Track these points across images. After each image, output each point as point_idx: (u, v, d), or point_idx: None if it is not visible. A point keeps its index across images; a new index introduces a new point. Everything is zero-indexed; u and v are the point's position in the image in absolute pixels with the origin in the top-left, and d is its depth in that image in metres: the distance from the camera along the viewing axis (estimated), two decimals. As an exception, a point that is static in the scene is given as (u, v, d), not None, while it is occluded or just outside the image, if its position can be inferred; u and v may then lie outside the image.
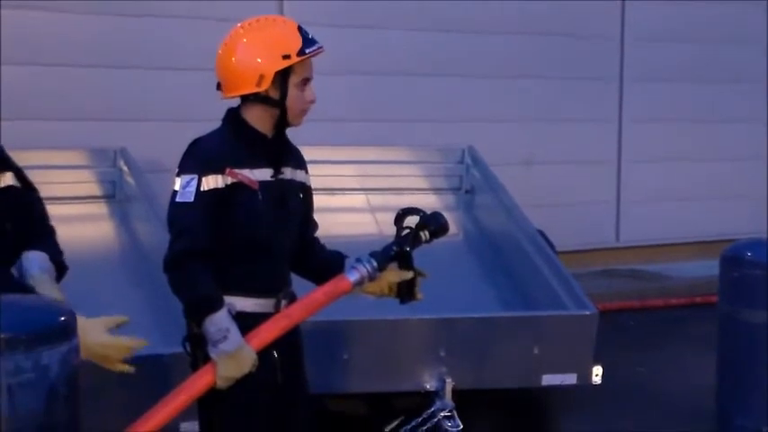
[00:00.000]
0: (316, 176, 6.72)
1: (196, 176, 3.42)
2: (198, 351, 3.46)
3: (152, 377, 4.13)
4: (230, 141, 3.51)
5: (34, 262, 3.32)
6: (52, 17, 7.77)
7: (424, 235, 3.68)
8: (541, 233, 6.84)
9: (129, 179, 6.46)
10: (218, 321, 3.38)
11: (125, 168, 6.51)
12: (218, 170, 3.44)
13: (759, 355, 5.17)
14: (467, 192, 7.39)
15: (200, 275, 3.40)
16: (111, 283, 5.70)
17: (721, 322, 5.47)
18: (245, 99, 3.56)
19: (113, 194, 6.50)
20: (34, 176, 6.13)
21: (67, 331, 2.60)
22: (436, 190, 7.38)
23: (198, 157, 3.45)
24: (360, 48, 9.01)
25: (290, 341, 3.62)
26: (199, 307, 3.40)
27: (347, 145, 7.52)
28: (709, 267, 7.30)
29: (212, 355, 3.38)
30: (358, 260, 3.61)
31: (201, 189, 3.41)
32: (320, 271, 3.72)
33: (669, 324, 8.65)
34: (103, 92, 7.94)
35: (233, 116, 3.59)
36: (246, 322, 3.45)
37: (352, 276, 3.57)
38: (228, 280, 3.46)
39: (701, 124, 10.89)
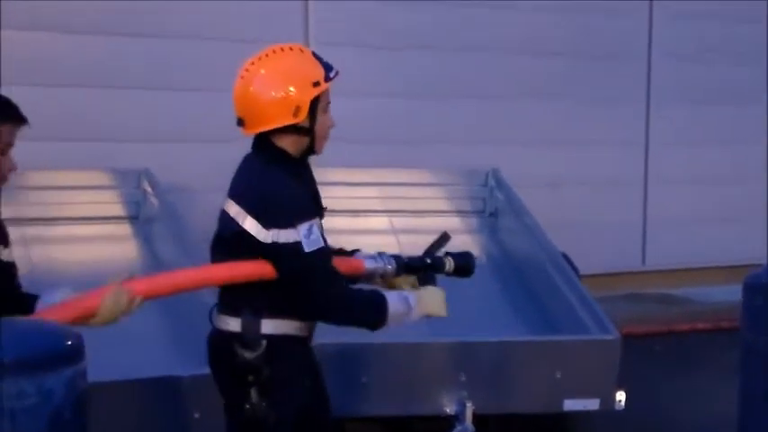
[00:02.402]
0: (339, 198, 6.80)
1: (313, 221, 3.46)
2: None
3: (167, 400, 4.13)
4: (294, 178, 3.53)
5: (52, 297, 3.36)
6: (66, 39, 7.79)
7: (449, 263, 3.72)
8: (565, 256, 6.79)
9: (153, 200, 6.48)
10: (395, 306, 3.53)
11: (149, 189, 6.53)
12: (314, 211, 3.52)
13: None
14: (490, 215, 7.37)
15: (355, 293, 3.54)
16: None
17: (744, 352, 5.36)
18: (274, 130, 3.54)
19: (137, 215, 6.52)
20: (58, 197, 6.26)
21: (73, 355, 2.59)
22: (460, 212, 7.36)
23: (296, 205, 3.46)
24: (383, 69, 9.00)
25: (316, 362, 3.70)
26: (382, 313, 3.52)
27: (370, 167, 7.51)
28: (736, 292, 7.21)
29: (415, 317, 3.59)
30: (380, 254, 3.72)
31: (321, 232, 3.48)
32: None
33: (696, 349, 8.56)
34: (122, 112, 7.97)
35: (273, 148, 3.57)
36: (302, 345, 3.57)
37: (369, 263, 3.69)
38: (285, 305, 3.50)
39: (729, 146, 10.80)
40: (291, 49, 3.58)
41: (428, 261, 3.71)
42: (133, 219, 6.49)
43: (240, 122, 3.57)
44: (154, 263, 6.17)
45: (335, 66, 3.60)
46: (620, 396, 5.75)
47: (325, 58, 3.60)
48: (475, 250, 7.16)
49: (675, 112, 10.48)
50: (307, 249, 3.42)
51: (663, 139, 10.49)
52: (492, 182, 7.43)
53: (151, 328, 5.36)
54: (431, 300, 3.62)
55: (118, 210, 6.51)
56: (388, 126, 9.07)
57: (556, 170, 9.87)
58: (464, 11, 9.40)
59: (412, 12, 9.15)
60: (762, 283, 5.27)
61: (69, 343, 2.62)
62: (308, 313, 3.54)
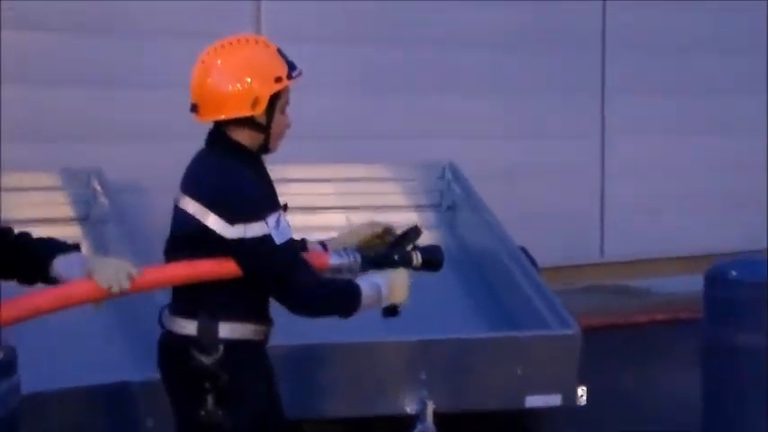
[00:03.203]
0: (294, 195, 6.69)
1: (278, 212, 3.37)
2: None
3: (118, 407, 4.03)
4: (253, 171, 3.44)
5: (69, 268, 3.22)
6: (24, 37, 7.66)
7: (416, 258, 3.64)
8: (523, 250, 6.75)
9: (104, 200, 6.34)
10: (367, 296, 3.46)
11: (99, 189, 6.39)
12: (278, 201, 3.44)
13: (746, 379, 5.04)
14: (448, 208, 7.30)
15: (329, 281, 3.50)
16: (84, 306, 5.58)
17: (706, 345, 5.33)
18: (231, 122, 3.44)
19: (87, 216, 6.37)
20: (5, 199, 6.11)
21: (5, 369, 2.47)
22: (417, 207, 7.29)
23: (261, 196, 3.37)
24: (336, 63, 8.94)
25: (271, 366, 3.59)
26: (356, 302, 3.45)
27: (325, 163, 7.44)
28: (694, 282, 7.22)
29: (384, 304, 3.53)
30: (345, 250, 3.64)
31: (288, 221, 3.40)
32: None
33: (655, 341, 8.55)
34: (75, 113, 7.84)
35: (228, 141, 3.46)
36: (259, 349, 3.48)
37: (334, 259, 3.61)
38: (246, 307, 3.43)
39: (686, 136, 10.84)
40: (257, 41, 3.50)
41: (395, 257, 3.62)
42: (83, 220, 6.35)
43: (194, 108, 3.46)
44: (105, 264, 6.04)
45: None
46: (582, 391, 5.74)
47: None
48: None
49: (630, 101, 10.51)
50: (278, 241, 3.34)
51: (618, 128, 10.50)
52: (449, 175, 7.37)
53: (100, 330, 5.24)
54: (400, 288, 3.54)
55: (67, 211, 6.36)
56: (343, 121, 9.03)
57: (512, 162, 9.86)
58: (420, 4, 9.36)
59: (365, 5, 9.09)
60: (722, 276, 5.22)
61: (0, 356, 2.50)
62: (286, 306, 3.44)
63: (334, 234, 3.82)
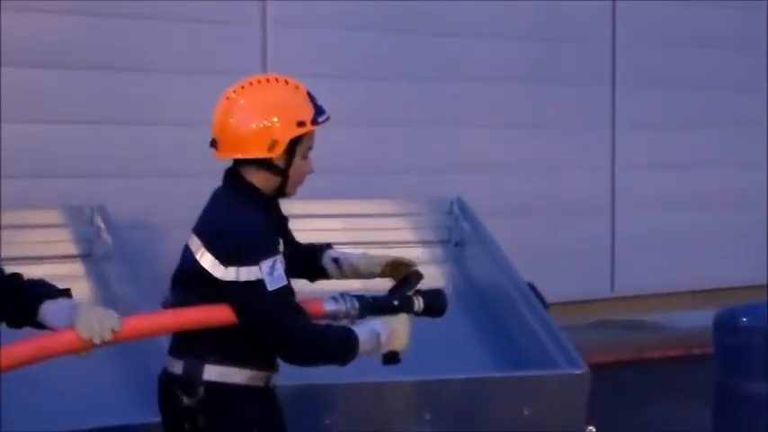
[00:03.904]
0: (301, 231, 6.64)
1: (276, 258, 3.29)
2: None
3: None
4: (260, 213, 3.37)
5: (56, 315, 3.15)
6: (17, 72, 7.63)
7: (418, 303, 3.54)
8: (531, 286, 6.67)
9: (107, 237, 6.28)
10: (365, 344, 3.36)
11: (102, 225, 6.34)
12: (278, 247, 3.35)
13: (758, 429, 4.89)
14: (456, 244, 7.23)
15: (324, 328, 3.36)
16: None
17: (716, 392, 5.21)
18: (247, 162, 3.38)
19: (90, 253, 6.31)
20: (6, 237, 6.07)
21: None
22: (424, 243, 7.22)
23: (258, 241, 3.30)
24: (343, 98, 8.90)
25: (275, 415, 3.51)
26: (353, 351, 3.36)
27: (333, 198, 7.39)
28: (707, 317, 7.13)
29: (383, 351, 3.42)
30: (342, 295, 3.50)
31: (284, 268, 3.31)
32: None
33: (667, 377, 8.45)
34: (78, 149, 7.81)
35: (241, 181, 3.40)
36: (254, 395, 3.39)
37: (329, 305, 3.47)
38: (243, 352, 3.35)
39: (697, 170, 10.79)
40: (287, 82, 3.44)
41: (395, 303, 3.51)
42: (85, 257, 6.28)
43: (213, 144, 3.41)
44: (108, 303, 5.97)
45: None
46: (591, 431, 5.63)
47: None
48: (441, 280, 7.13)
49: (641, 135, 10.47)
50: (270, 288, 3.26)
51: (629, 162, 10.44)
52: (457, 210, 7.31)
53: (107, 370, 5.18)
54: (400, 334, 3.44)
55: (69, 248, 6.29)
56: (351, 156, 8.97)
57: (521, 197, 9.80)
58: (427, 40, 9.35)
59: (372, 41, 9.10)
60: (733, 322, 5.08)
61: None
62: (278, 354, 3.38)
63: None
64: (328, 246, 3.72)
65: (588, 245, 10.26)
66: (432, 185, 8.66)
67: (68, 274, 6.20)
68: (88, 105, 7.90)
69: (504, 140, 9.73)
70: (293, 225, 6.63)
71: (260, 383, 3.41)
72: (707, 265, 10.66)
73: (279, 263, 3.30)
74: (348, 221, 7.15)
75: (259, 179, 3.39)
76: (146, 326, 3.31)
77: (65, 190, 7.43)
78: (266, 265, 3.26)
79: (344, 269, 3.63)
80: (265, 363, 3.43)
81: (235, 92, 3.39)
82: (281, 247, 3.42)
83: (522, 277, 6.64)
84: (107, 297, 6.04)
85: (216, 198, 3.45)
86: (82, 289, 6.13)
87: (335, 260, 3.64)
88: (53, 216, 6.39)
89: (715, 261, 10.72)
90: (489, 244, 6.93)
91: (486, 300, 6.72)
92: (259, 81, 3.42)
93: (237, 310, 3.29)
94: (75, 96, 7.86)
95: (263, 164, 3.37)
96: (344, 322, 3.47)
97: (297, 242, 3.69)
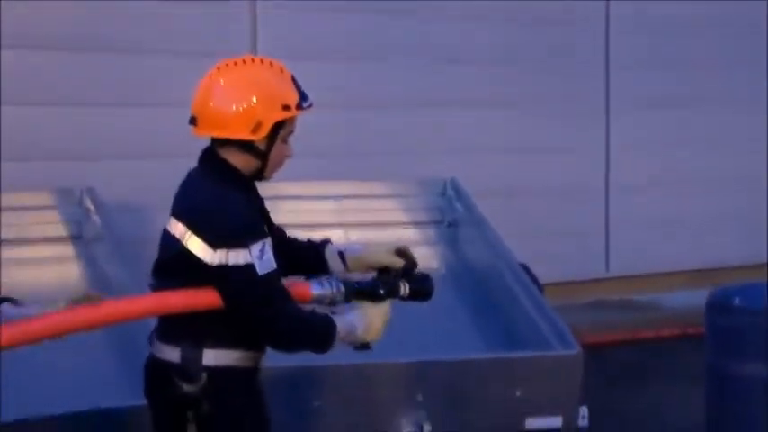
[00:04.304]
0: (293, 212, 6.62)
1: (264, 240, 3.23)
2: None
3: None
4: (243, 195, 3.31)
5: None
6: (14, 56, 7.56)
7: (404, 288, 3.50)
8: (525, 267, 6.65)
9: (96, 219, 6.25)
10: (342, 334, 3.34)
11: (91, 207, 6.30)
12: (265, 230, 3.30)
13: (751, 411, 4.82)
14: (449, 225, 7.21)
15: (309, 315, 3.31)
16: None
17: (708, 375, 5.14)
18: (228, 142, 3.31)
19: (79, 235, 6.27)
20: (-3, 218, 6.05)
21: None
22: (417, 224, 7.20)
23: (248, 223, 3.24)
24: (336, 80, 8.86)
25: (262, 394, 3.46)
26: (331, 340, 3.32)
27: (325, 179, 7.35)
28: (702, 296, 7.12)
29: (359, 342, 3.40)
30: (328, 279, 3.45)
31: (272, 252, 3.25)
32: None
33: (662, 357, 8.43)
34: (67, 131, 7.75)
35: (221, 162, 3.33)
36: (247, 376, 3.35)
37: (316, 289, 3.42)
38: (229, 334, 3.28)
39: (691, 150, 10.74)
40: (272, 65, 3.36)
41: (381, 290, 3.46)
42: (75, 239, 6.25)
43: (192, 121, 3.33)
44: (97, 285, 5.94)
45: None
46: (584, 412, 5.63)
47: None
48: (434, 261, 7.11)
49: (635, 116, 10.41)
50: (260, 272, 3.20)
51: (623, 142, 10.40)
52: (450, 192, 7.28)
53: (97, 351, 5.14)
54: (375, 327, 3.39)
55: (59, 230, 6.26)
56: (343, 137, 8.94)
57: (517, 178, 9.77)
58: (418, 21, 9.30)
59: (363, 22, 9.01)
60: (726, 303, 5.01)
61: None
62: (262, 339, 3.32)
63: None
64: (328, 241, 3.64)
65: (583, 225, 10.22)
66: (425, 167, 8.61)
67: (58, 255, 6.20)
68: (76, 88, 7.84)
69: (499, 121, 9.68)
70: (286, 206, 6.65)
71: (252, 364, 3.37)
72: (702, 244, 10.63)
73: (267, 246, 3.24)
74: (341, 203, 7.13)
75: (238, 161, 3.32)
76: (127, 309, 3.25)
77: (53, 172, 7.37)
78: (256, 248, 3.21)
79: (350, 263, 3.55)
80: (255, 343, 3.38)
81: (219, 70, 3.32)
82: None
83: (516, 258, 6.63)
84: (96, 279, 6.04)
85: (194, 179, 3.37)
86: (71, 271, 6.13)
87: (341, 253, 3.57)
88: (42, 198, 6.37)
89: (710, 240, 10.70)
90: (483, 225, 6.90)
91: (479, 281, 6.70)
92: (244, 61, 3.34)
93: (226, 294, 3.23)
94: (63, 79, 7.80)
95: (245, 146, 3.30)
96: (329, 307, 3.42)
97: (289, 237, 3.63)
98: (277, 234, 3.53)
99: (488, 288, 6.59)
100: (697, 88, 10.78)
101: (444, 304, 6.43)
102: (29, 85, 7.63)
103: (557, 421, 5.55)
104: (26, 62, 7.63)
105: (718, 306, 5.12)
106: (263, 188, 6.91)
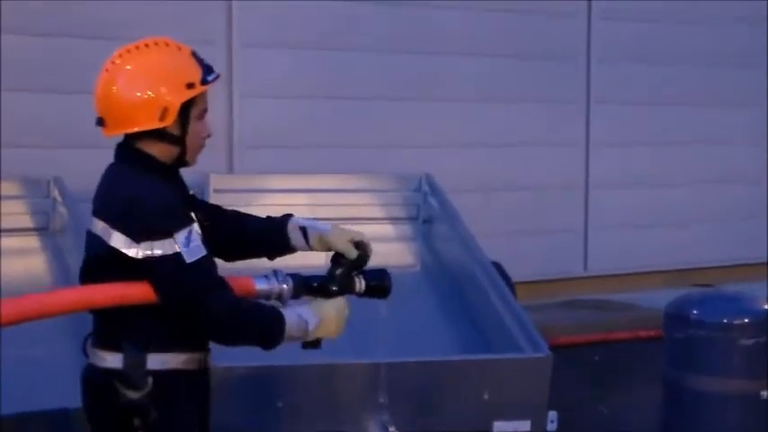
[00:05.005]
0: (265, 206, 6.53)
1: (190, 227, 3.08)
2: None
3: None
4: (164, 184, 3.15)
5: None
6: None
7: (359, 284, 3.33)
8: (497, 265, 6.60)
9: (63, 209, 6.18)
10: (291, 329, 3.14)
11: (59, 198, 6.23)
12: (191, 216, 3.15)
13: (704, 426, 4.73)
14: (424, 221, 7.17)
15: (251, 305, 3.15)
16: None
17: (664, 385, 5.07)
18: (140, 134, 3.15)
19: (46, 226, 6.22)
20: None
21: None
22: (392, 219, 7.15)
23: (170, 210, 3.09)
24: (312, 71, 8.77)
25: (206, 395, 3.34)
26: (280, 333, 3.13)
27: (298, 173, 7.25)
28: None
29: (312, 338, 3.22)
30: (275, 273, 3.29)
31: (201, 239, 3.10)
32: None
33: (636, 358, 8.35)
34: (34, 119, 7.66)
35: (138, 154, 3.17)
36: (192, 379, 3.21)
37: (260, 284, 3.26)
38: (176, 334, 3.14)
39: (671, 149, 10.71)
40: (167, 44, 3.18)
41: (333, 286, 3.29)
42: (42, 230, 6.18)
43: (100, 122, 3.19)
44: (64, 276, 5.87)
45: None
46: (552, 417, 5.57)
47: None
48: (408, 258, 7.06)
49: (616, 112, 10.35)
50: (188, 260, 3.05)
51: (603, 140, 10.35)
52: (425, 187, 7.23)
53: (62, 344, 5.06)
54: (331, 323, 3.22)
55: (26, 221, 6.21)
56: (318, 130, 8.84)
57: (496, 174, 9.71)
58: (397, 11, 9.22)
59: (340, 12, 8.93)
60: (683, 315, 4.88)
61: None
62: (200, 332, 3.15)
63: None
64: (290, 215, 3.46)
65: (562, 223, 10.17)
66: (400, 161, 8.54)
67: (25, 246, 6.12)
68: (45, 74, 7.74)
69: (476, 116, 9.61)
70: (258, 200, 6.55)
71: (194, 366, 3.23)
72: (680, 244, 10.60)
73: (194, 233, 3.10)
74: (314, 197, 7.05)
75: (156, 150, 3.17)
76: (51, 303, 3.08)
77: (20, 161, 7.25)
78: (181, 235, 3.06)
79: (312, 240, 3.36)
80: (198, 343, 3.23)
81: (113, 62, 3.17)
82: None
83: (488, 257, 6.56)
84: (63, 270, 5.96)
85: (112, 175, 3.22)
86: (38, 262, 6.06)
87: (303, 229, 3.39)
88: (9, 188, 6.29)
89: (688, 241, 10.67)
90: (456, 222, 6.85)
91: (452, 278, 6.67)
92: (137, 47, 3.17)
93: (156, 286, 3.08)
94: (30, 64, 7.69)
95: (157, 134, 3.15)
96: (275, 303, 3.26)
97: (244, 214, 3.46)
98: (218, 212, 3.39)
99: (460, 287, 6.55)
100: (680, 86, 10.73)
101: (417, 302, 6.41)
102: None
103: (525, 425, 5.49)
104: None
105: (674, 317, 5.01)
106: (234, 181, 6.81)
